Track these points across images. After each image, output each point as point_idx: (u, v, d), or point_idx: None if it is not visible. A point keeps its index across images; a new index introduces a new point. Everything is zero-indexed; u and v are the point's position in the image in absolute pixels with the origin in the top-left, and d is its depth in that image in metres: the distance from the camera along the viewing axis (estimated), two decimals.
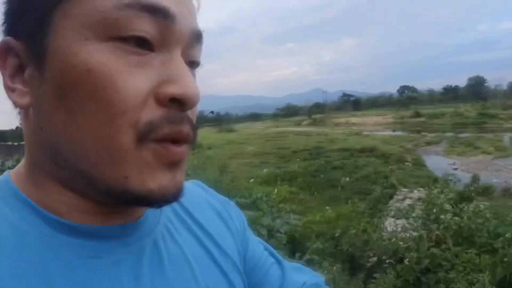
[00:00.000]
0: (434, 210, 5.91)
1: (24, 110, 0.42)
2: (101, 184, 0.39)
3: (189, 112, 0.42)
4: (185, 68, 0.41)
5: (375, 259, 4.82)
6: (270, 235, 5.01)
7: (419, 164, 23.77)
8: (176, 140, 0.40)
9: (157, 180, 0.40)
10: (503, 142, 27.47)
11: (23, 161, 0.45)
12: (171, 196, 0.41)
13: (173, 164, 0.41)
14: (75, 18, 0.38)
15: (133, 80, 0.38)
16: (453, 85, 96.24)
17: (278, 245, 4.61)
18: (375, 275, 4.26)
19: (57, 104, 0.39)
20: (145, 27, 0.38)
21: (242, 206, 6.72)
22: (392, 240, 5.10)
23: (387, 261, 4.52)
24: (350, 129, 53.92)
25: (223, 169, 17.65)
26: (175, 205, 0.54)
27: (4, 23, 0.43)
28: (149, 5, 0.38)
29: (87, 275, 0.40)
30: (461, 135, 34.40)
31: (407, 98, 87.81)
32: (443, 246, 4.45)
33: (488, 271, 3.43)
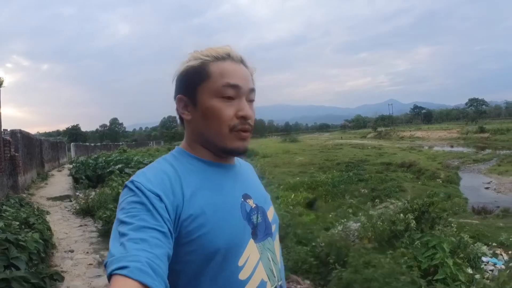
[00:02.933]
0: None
1: (186, 121, 1.01)
2: (218, 146, 0.98)
3: (249, 121, 0.98)
4: (246, 104, 0.97)
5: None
6: None
7: (450, 181, 24.31)
8: (243, 130, 0.97)
9: (236, 145, 0.97)
10: None
11: (184, 141, 1.05)
12: (242, 151, 1.00)
13: (242, 139, 0.98)
14: (206, 89, 0.96)
15: (227, 110, 0.95)
16: None
17: None
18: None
19: (202, 119, 0.97)
20: (230, 92, 0.96)
21: None
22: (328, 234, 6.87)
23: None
24: (410, 143, 54.57)
25: (260, 175, 20.23)
26: (241, 162, 1.16)
27: (177, 87, 1.02)
28: (231, 84, 0.95)
29: (215, 176, 0.98)
30: None
31: (475, 112, 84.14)
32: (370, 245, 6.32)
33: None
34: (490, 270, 7.65)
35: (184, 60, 1.00)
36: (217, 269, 0.89)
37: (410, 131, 73.61)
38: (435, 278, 6.32)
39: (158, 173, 0.89)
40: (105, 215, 6.15)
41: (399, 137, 68.78)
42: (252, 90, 0.99)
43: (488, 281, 6.51)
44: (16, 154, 9.39)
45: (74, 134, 77.88)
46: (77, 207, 7.79)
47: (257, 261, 0.96)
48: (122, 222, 0.79)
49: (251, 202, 1.00)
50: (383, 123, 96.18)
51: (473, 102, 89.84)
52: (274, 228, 1.07)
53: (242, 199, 0.98)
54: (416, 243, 7.26)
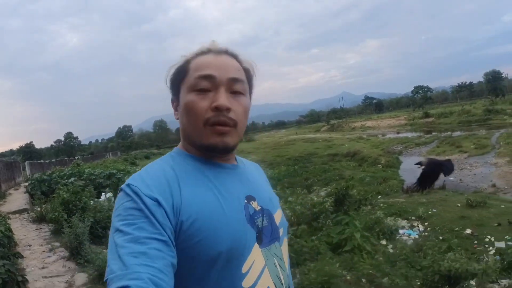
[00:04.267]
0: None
1: (179, 120, 1.00)
2: (197, 143, 0.96)
3: (231, 114, 0.93)
4: (222, 94, 0.93)
5: None
6: None
7: (390, 166, 25.94)
8: (219, 123, 0.92)
9: (212, 140, 0.93)
10: (488, 140, 27.97)
11: (181, 140, 1.03)
12: (221, 148, 0.95)
13: (220, 133, 0.93)
14: (185, 86, 0.96)
15: (201, 102, 0.92)
16: (468, 81, 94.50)
17: None
18: None
19: (182, 116, 0.97)
20: (204, 84, 0.93)
21: None
22: None
23: None
24: (360, 133, 55.57)
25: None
26: (245, 162, 1.14)
27: (170, 90, 1.03)
28: (203, 75, 0.93)
29: (213, 175, 0.96)
30: (454, 134, 35.51)
31: (421, 98, 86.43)
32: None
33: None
34: (404, 240, 8.76)
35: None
36: (219, 275, 0.85)
37: (361, 121, 75.22)
38: (344, 250, 7.72)
39: (155, 175, 0.88)
40: (54, 216, 7.52)
41: (351, 128, 70.29)
42: (235, 80, 0.96)
43: (391, 249, 7.95)
44: None
45: (28, 152, 76.14)
46: (34, 215, 9.11)
47: (263, 268, 0.92)
48: (119, 231, 0.77)
49: (255, 204, 0.97)
50: (335, 115, 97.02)
51: (418, 89, 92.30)
52: (282, 232, 1.03)
53: (246, 201, 0.95)
54: (328, 222, 8.79)
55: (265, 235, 0.95)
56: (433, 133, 40.30)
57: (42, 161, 38.35)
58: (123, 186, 0.86)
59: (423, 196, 13.38)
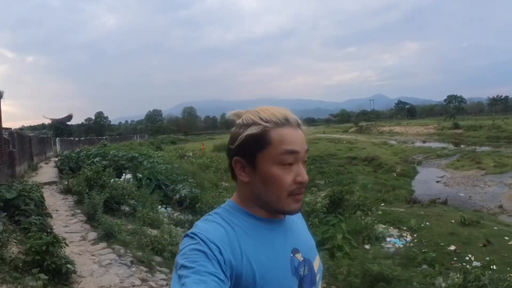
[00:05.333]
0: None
1: (243, 182, 1.05)
2: (275, 208, 1.03)
3: (305, 184, 1.01)
4: (303, 170, 1.01)
5: None
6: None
7: (404, 175, 26.26)
8: (300, 193, 1.02)
9: (293, 207, 1.02)
10: (511, 159, 27.02)
11: (236, 194, 1.10)
12: (298, 211, 1.06)
13: (298, 201, 1.02)
14: (267, 156, 0.99)
15: (287, 177, 0.99)
16: (505, 95, 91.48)
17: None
18: None
19: (261, 183, 1.01)
20: (289, 159, 0.99)
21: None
22: None
23: None
24: (388, 138, 55.30)
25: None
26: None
27: (235, 149, 1.04)
28: (290, 150, 0.99)
29: (267, 233, 1.04)
30: (479, 149, 34.99)
31: (454, 108, 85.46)
32: None
33: None
34: (387, 247, 9.49)
35: (238, 121, 1.07)
36: None
37: (390, 126, 74.47)
38: (324, 247, 8.38)
39: (217, 228, 0.97)
40: (78, 189, 8.92)
41: (378, 132, 69.81)
42: (307, 151, 1.06)
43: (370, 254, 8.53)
44: (13, 150, 11.72)
45: (59, 128, 75.54)
46: (61, 187, 10.51)
47: None
48: (183, 266, 0.86)
49: (299, 256, 1.06)
50: (364, 117, 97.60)
51: (452, 98, 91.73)
52: (319, 277, 1.13)
53: (292, 254, 1.05)
54: (314, 221, 9.57)
55: (306, 283, 1.05)
56: (461, 146, 39.75)
57: (72, 138, 40.47)
58: (188, 232, 0.96)
59: (422, 209, 13.93)
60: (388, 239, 10.00)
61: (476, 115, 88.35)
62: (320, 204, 10.25)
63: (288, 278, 1.00)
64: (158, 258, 5.78)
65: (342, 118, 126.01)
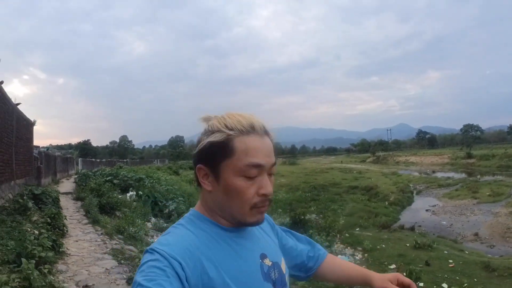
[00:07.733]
0: None
1: (206, 190, 1.01)
2: (237, 220, 1.00)
3: (270, 196, 0.99)
4: (268, 182, 0.98)
5: None
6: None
7: (396, 204, 25.73)
8: (263, 206, 0.99)
9: (255, 219, 0.99)
10: (509, 188, 26.44)
11: (199, 203, 1.07)
12: (260, 223, 1.02)
13: (261, 212, 1.00)
14: (230, 166, 0.95)
15: (250, 189, 0.96)
16: None
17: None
18: None
19: (223, 194, 0.98)
20: (254, 172, 0.96)
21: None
22: None
23: None
24: (401, 168, 55.00)
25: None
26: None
27: (198, 156, 1.00)
28: (255, 164, 0.95)
29: (233, 242, 1.02)
30: (483, 179, 34.55)
31: (471, 137, 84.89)
32: None
33: None
34: None
35: (205, 126, 1.02)
36: None
37: (406, 156, 74.35)
38: None
39: (179, 241, 0.93)
40: (83, 196, 11.99)
41: (395, 161, 69.72)
42: (274, 164, 1.01)
43: None
44: (41, 165, 14.67)
45: (84, 148, 79.89)
46: (74, 196, 13.50)
47: None
48: (139, 285, 0.81)
49: (267, 261, 1.06)
50: (381, 147, 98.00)
51: (468, 127, 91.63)
52: (287, 278, 1.15)
53: (260, 260, 1.05)
54: None
55: (278, 285, 1.07)
56: (470, 176, 38.52)
57: (93, 159, 43.16)
58: (148, 248, 0.91)
59: (387, 234, 14.83)
60: (339, 256, 10.59)
61: (496, 143, 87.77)
62: (278, 222, 10.91)
63: (260, 285, 1.00)
64: (119, 235, 8.49)
65: (363, 147, 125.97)
